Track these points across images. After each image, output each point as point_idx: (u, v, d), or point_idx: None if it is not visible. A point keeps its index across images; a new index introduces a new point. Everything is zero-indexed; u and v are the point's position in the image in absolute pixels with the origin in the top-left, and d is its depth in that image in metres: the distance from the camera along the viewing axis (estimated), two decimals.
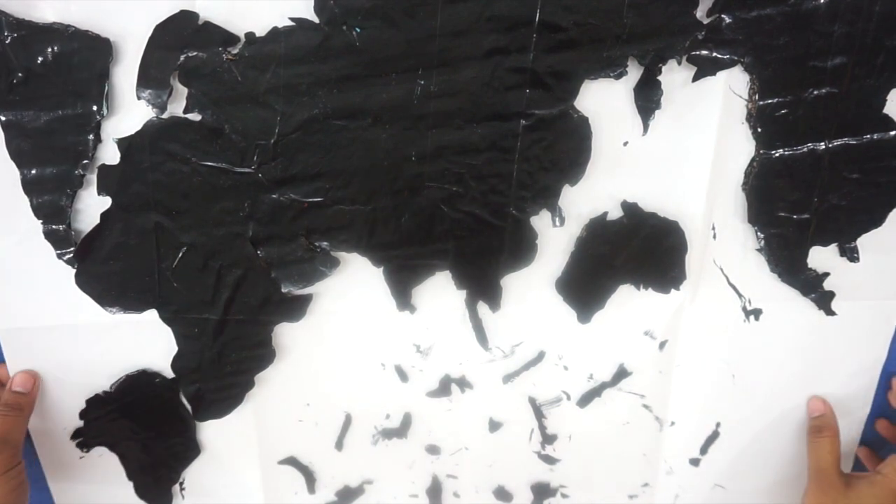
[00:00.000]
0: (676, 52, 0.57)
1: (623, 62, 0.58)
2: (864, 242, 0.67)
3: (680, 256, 0.66)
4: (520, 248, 0.65)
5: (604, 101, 0.61)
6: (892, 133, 0.62)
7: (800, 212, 0.65)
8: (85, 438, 0.72)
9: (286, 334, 0.69)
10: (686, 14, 0.56)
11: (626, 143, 0.62)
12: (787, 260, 0.67)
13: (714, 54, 0.59)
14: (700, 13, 0.57)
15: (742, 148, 0.63)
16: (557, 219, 0.64)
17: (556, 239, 0.66)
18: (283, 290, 0.65)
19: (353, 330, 0.70)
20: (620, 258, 0.67)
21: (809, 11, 0.57)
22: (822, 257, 0.69)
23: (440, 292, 0.68)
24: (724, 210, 0.65)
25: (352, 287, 0.67)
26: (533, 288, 0.68)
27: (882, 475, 0.69)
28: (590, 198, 0.64)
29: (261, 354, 0.69)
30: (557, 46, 0.57)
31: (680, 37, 0.57)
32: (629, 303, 0.69)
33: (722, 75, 0.60)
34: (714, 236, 0.66)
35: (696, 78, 0.59)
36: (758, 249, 0.67)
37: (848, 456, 0.78)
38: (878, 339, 0.73)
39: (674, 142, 0.62)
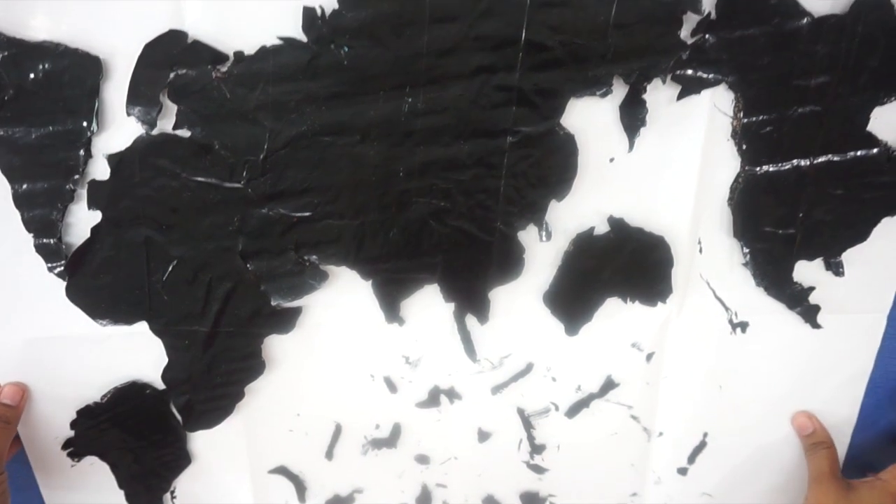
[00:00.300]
0: (661, 72, 0.58)
1: (608, 81, 0.58)
2: (849, 257, 0.68)
3: (666, 270, 0.67)
4: (507, 262, 0.65)
5: (590, 118, 0.61)
6: (875, 150, 0.62)
7: (785, 227, 0.65)
8: (76, 448, 0.73)
9: (276, 346, 0.70)
10: (670, 34, 0.57)
11: (612, 160, 0.63)
12: (773, 274, 0.68)
13: (698, 73, 0.58)
14: (684, 33, 0.57)
15: (727, 164, 0.63)
16: (544, 234, 0.64)
17: (543, 253, 0.67)
18: (273, 303, 0.66)
19: (343, 342, 0.70)
20: (607, 272, 0.67)
21: (792, 31, 0.57)
22: (807, 271, 0.70)
23: (429, 304, 0.68)
24: (710, 225, 0.66)
25: (341, 299, 0.67)
26: (521, 301, 0.69)
27: (882, 480, 0.71)
28: (577, 213, 0.65)
29: (250, 366, 0.69)
30: (543, 65, 0.58)
31: (664, 56, 0.57)
32: (616, 315, 0.70)
33: (707, 93, 0.60)
34: (700, 250, 0.67)
35: (680, 96, 0.59)
36: (743, 264, 0.67)
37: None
38: (864, 351, 0.73)
39: (659, 158, 0.63)
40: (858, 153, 0.63)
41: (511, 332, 0.71)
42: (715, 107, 0.61)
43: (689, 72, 0.59)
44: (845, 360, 0.73)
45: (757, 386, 0.74)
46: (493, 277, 0.66)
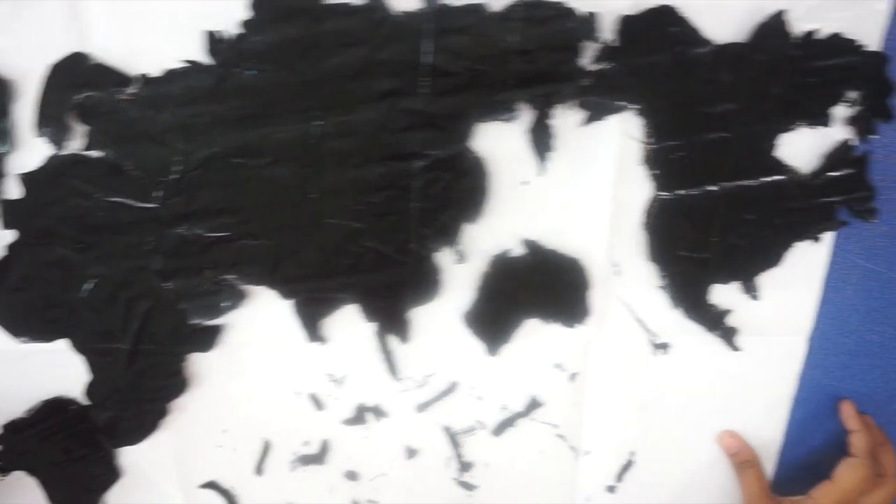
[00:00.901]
0: (564, 98, 0.58)
1: (513, 106, 0.59)
2: (766, 280, 0.68)
3: (582, 292, 0.68)
4: (423, 283, 0.66)
5: (502, 141, 0.63)
6: (784, 176, 0.62)
7: (699, 251, 0.66)
8: (3, 463, 0.73)
9: (201, 363, 0.71)
10: (570, 62, 0.57)
11: (525, 183, 0.63)
12: (690, 297, 0.68)
13: (604, 100, 0.59)
14: (588, 60, 0.57)
15: (641, 188, 0.64)
16: (457, 256, 0.64)
17: (463, 273, 0.68)
18: (191, 322, 0.66)
19: (267, 359, 0.71)
20: (525, 293, 0.68)
21: (695, 59, 0.58)
22: (726, 294, 0.70)
23: (351, 322, 0.70)
24: (626, 248, 0.67)
25: (264, 318, 0.68)
26: (442, 321, 0.69)
27: (812, 498, 0.72)
28: (492, 235, 0.65)
29: (173, 384, 0.70)
30: (448, 90, 0.59)
31: (566, 83, 0.58)
32: (538, 336, 0.70)
33: (616, 119, 0.60)
34: (618, 273, 0.67)
35: (586, 123, 0.59)
36: (660, 287, 0.67)
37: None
38: (786, 373, 0.74)
39: (573, 182, 0.63)
40: (768, 179, 0.62)
41: (434, 351, 0.71)
42: (625, 132, 0.60)
43: (595, 98, 0.58)
44: (768, 380, 0.74)
45: (682, 406, 0.75)
46: (410, 298, 0.67)
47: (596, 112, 0.60)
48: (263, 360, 0.72)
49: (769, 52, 0.58)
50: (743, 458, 0.74)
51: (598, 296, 0.68)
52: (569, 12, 0.56)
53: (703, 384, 0.74)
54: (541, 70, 0.58)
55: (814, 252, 0.68)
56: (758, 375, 0.74)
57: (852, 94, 0.62)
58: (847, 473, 0.68)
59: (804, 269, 0.68)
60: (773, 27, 0.58)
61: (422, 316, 0.70)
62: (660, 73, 0.59)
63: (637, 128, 0.62)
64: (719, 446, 0.77)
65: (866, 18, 0.59)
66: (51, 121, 0.59)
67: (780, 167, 0.63)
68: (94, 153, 0.60)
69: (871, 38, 0.60)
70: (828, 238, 0.68)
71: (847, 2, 0.58)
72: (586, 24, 0.57)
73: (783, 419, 0.77)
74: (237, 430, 0.76)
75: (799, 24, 0.59)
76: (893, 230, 0.69)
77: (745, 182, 0.63)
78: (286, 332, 0.69)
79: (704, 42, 0.58)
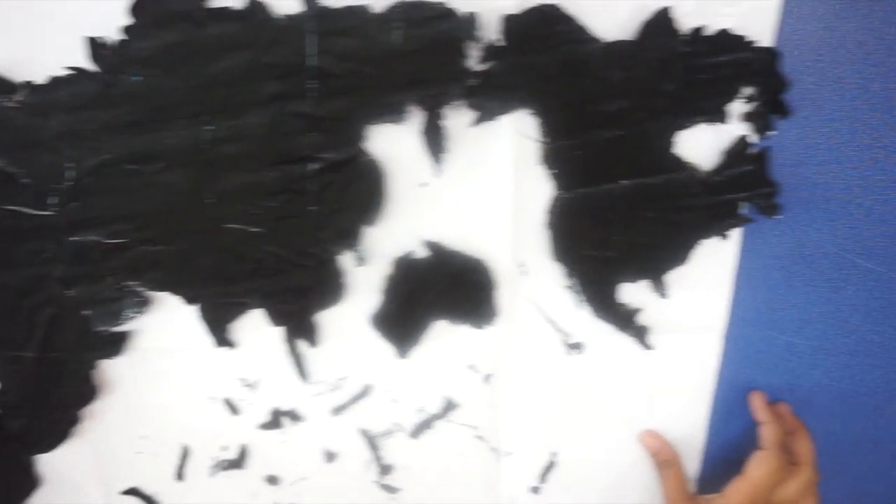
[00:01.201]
0: (452, 99, 0.58)
1: (401, 108, 0.59)
2: (675, 278, 0.67)
3: (488, 293, 0.67)
4: (327, 286, 0.66)
5: (397, 143, 0.63)
6: (684, 174, 0.62)
7: (603, 250, 0.65)
8: None
9: (112, 370, 0.70)
10: (454, 62, 0.57)
11: (424, 184, 0.62)
12: (598, 296, 0.68)
13: (493, 100, 0.58)
14: (474, 61, 0.57)
15: (542, 187, 0.64)
16: (358, 259, 0.64)
17: (367, 276, 0.68)
18: (96, 329, 0.66)
19: (180, 365, 0.71)
20: (430, 295, 0.67)
21: (584, 58, 0.57)
22: (636, 292, 0.71)
23: (260, 326, 0.70)
24: (531, 248, 0.67)
25: (174, 323, 0.68)
26: (352, 323, 0.69)
27: (724, 496, 0.72)
28: (394, 237, 0.65)
29: (83, 391, 0.70)
30: (336, 92, 0.58)
31: (452, 84, 0.57)
32: (450, 337, 0.70)
33: (510, 119, 0.60)
34: (525, 273, 0.67)
35: (476, 123, 0.59)
36: (567, 286, 0.67)
37: (691, 484, 0.80)
38: (703, 370, 0.74)
39: (471, 183, 0.63)
40: (667, 176, 0.61)
41: (346, 354, 0.71)
42: (520, 132, 0.60)
43: (483, 98, 0.58)
44: (685, 379, 0.74)
45: (601, 406, 0.74)
46: (315, 302, 0.66)
47: (486, 112, 0.59)
48: (176, 365, 0.71)
49: (658, 50, 0.58)
50: (663, 458, 0.74)
51: (506, 296, 0.68)
52: (449, 13, 0.56)
53: (621, 384, 0.74)
54: (426, 71, 0.57)
55: (723, 249, 0.67)
56: (675, 374, 0.73)
57: (748, 91, 0.60)
58: (756, 467, 0.68)
59: (714, 266, 0.68)
60: (660, 24, 0.57)
61: (330, 319, 0.69)
62: (549, 72, 0.58)
63: (532, 127, 0.61)
64: (641, 446, 0.76)
65: (757, 14, 0.59)
66: None
67: (679, 165, 0.62)
68: None
69: (762, 34, 0.59)
70: (736, 235, 0.67)
71: None
72: (467, 25, 0.56)
73: (704, 417, 0.76)
74: (156, 437, 0.75)
75: (688, 21, 0.58)
76: (893, 230, 0.69)
77: (645, 180, 0.63)
78: (196, 338, 0.69)
79: (592, 40, 0.58)
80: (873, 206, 0.69)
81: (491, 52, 0.58)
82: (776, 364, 0.76)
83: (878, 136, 0.65)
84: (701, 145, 0.63)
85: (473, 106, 0.60)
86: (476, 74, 0.58)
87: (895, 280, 0.70)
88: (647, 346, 0.71)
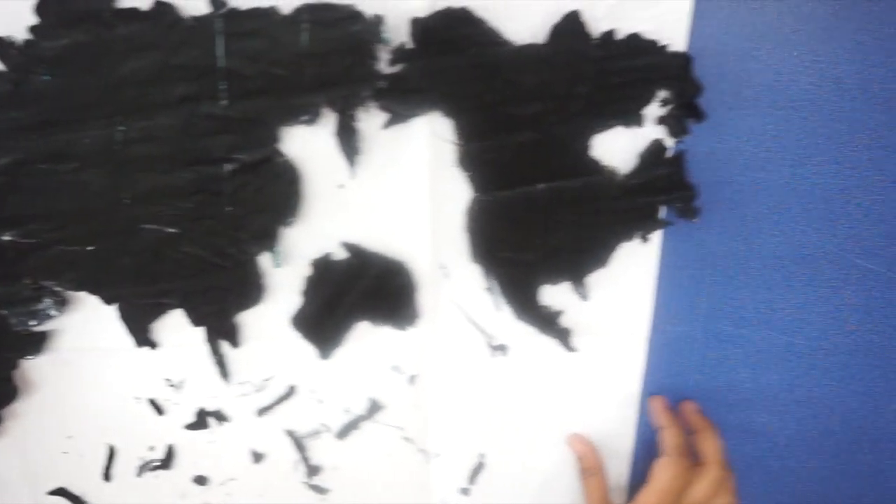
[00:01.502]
0: (362, 101, 0.58)
1: (312, 110, 0.59)
2: (597, 281, 0.67)
3: (409, 294, 0.67)
4: (246, 287, 0.66)
5: (314, 144, 0.63)
6: (602, 177, 0.62)
7: (522, 252, 0.65)
8: None
9: (35, 370, 0.70)
10: (364, 64, 0.56)
11: (341, 186, 0.62)
12: (518, 299, 0.68)
13: (404, 102, 0.58)
14: (384, 63, 0.57)
15: (460, 190, 0.63)
16: (276, 260, 0.64)
17: (287, 277, 0.68)
18: (15, 328, 0.65)
19: (103, 364, 0.71)
20: (351, 296, 0.67)
21: (495, 61, 0.57)
22: (558, 295, 0.71)
23: (181, 327, 0.70)
24: (452, 250, 0.66)
25: (96, 323, 0.68)
26: (273, 324, 0.69)
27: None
28: (312, 239, 0.65)
29: (3, 391, 0.70)
30: (246, 94, 0.58)
31: (361, 86, 0.57)
32: (373, 338, 0.70)
33: (424, 121, 0.60)
34: (446, 275, 0.67)
35: (387, 125, 0.59)
36: (487, 289, 0.67)
37: (622, 489, 0.81)
38: (630, 373, 0.74)
39: (389, 184, 0.63)
40: (585, 180, 0.62)
41: (269, 355, 0.71)
42: (434, 134, 0.60)
43: (393, 101, 0.58)
44: (611, 381, 0.74)
45: (527, 408, 0.75)
46: (234, 302, 0.66)
47: (397, 115, 0.59)
48: (99, 365, 0.71)
49: (569, 53, 0.58)
50: (587, 465, 0.74)
51: (428, 298, 0.68)
52: (356, 15, 0.56)
53: (547, 386, 0.74)
54: (335, 73, 0.57)
55: (644, 252, 0.67)
56: (600, 376, 0.73)
57: (663, 94, 0.60)
58: (659, 474, 0.68)
59: (635, 269, 0.68)
60: (569, 28, 0.57)
61: (252, 320, 0.68)
62: (459, 74, 0.58)
63: (447, 129, 0.60)
64: (568, 449, 0.76)
65: (669, 18, 0.59)
66: None
67: (597, 168, 0.62)
68: None
69: (675, 37, 0.59)
70: (656, 238, 0.67)
71: (648, 1, 0.57)
72: (373, 27, 0.56)
73: (633, 420, 0.76)
74: (82, 437, 0.75)
75: (601, 25, 0.58)
76: (893, 230, 0.69)
77: (562, 183, 0.63)
78: (119, 338, 0.69)
79: (504, 43, 0.58)
80: (872, 206, 0.68)
81: (400, 54, 0.57)
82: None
83: (878, 136, 0.65)
84: (619, 149, 0.63)
85: (384, 108, 0.59)
86: (386, 77, 0.58)
87: (894, 280, 0.70)
88: (571, 349, 0.70)
